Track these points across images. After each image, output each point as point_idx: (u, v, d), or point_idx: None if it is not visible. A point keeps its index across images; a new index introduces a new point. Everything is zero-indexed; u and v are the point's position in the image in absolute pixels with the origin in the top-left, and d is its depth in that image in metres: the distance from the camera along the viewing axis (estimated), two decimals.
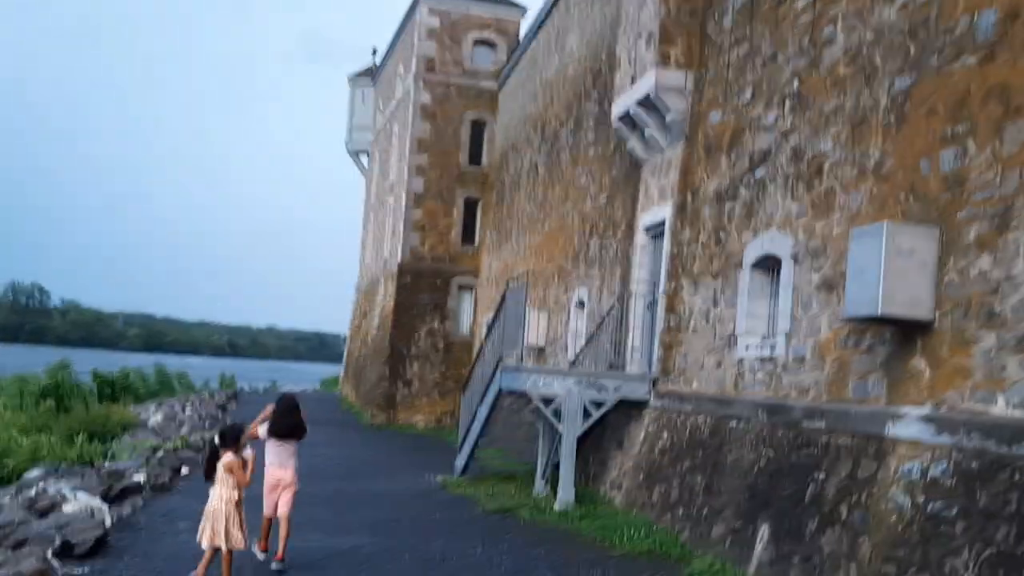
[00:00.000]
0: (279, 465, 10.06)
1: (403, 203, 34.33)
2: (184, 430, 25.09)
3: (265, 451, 9.98)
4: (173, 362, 66.48)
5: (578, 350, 18.83)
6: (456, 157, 34.26)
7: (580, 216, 20.37)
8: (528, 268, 24.79)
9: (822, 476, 9.22)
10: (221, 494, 8.73)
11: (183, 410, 32.19)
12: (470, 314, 33.89)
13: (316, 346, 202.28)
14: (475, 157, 34.50)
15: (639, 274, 15.96)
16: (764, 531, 9.83)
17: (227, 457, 8.81)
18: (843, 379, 9.44)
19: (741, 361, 11.78)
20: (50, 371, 42.01)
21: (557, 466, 15.83)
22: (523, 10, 35.11)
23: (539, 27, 27.36)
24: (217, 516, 8.69)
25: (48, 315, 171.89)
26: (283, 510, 9.96)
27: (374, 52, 45.48)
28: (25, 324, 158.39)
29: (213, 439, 9.19)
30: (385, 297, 36.29)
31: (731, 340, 12.13)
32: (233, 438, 8.99)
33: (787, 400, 10.40)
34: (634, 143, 16.28)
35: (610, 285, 17.56)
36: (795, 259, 10.60)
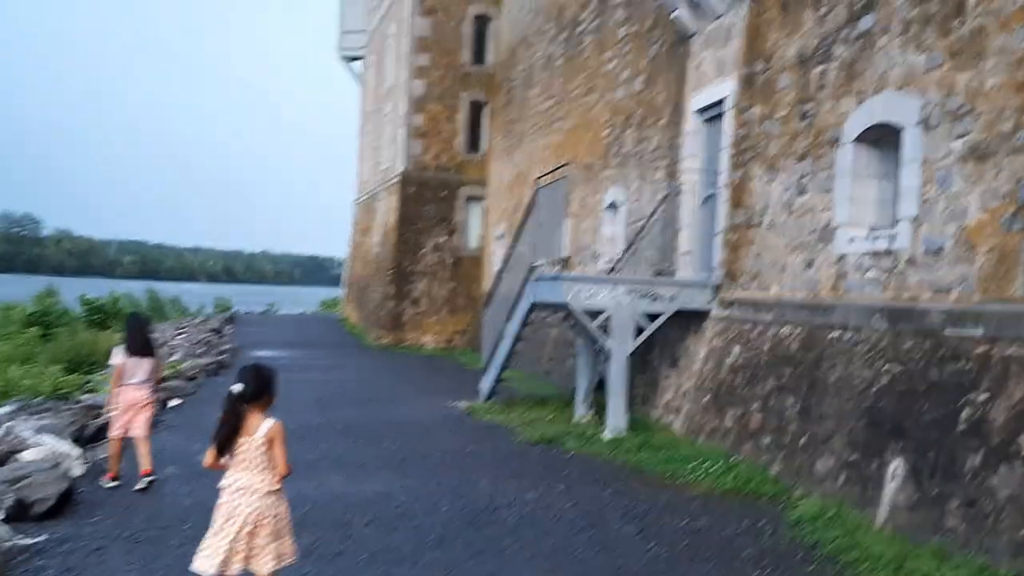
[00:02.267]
0: (136, 385, 9.28)
1: (402, 109, 31.83)
2: (175, 356, 23.12)
3: (123, 371, 9.25)
4: (169, 288, 64.57)
5: (612, 258, 16.70)
6: (459, 56, 31.63)
7: (610, 107, 18.03)
8: (556, 165, 22.50)
9: (982, 397, 7.15)
10: (254, 484, 5.15)
11: (175, 335, 30.19)
12: (479, 227, 31.66)
13: (312, 269, 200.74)
14: (479, 56, 31.87)
15: (690, 165, 13.74)
16: (897, 466, 7.80)
17: (268, 423, 5.19)
18: (1007, 273, 7.32)
19: (843, 258, 9.64)
20: (37, 298, 39.98)
21: (599, 388, 13.84)
22: None
23: None
24: (261, 523, 5.14)
25: (41, 244, 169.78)
26: (139, 432, 9.23)
27: None
28: (19, 254, 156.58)
29: (232, 391, 5.17)
30: (387, 211, 34.01)
31: (827, 233, 9.97)
32: (265, 386, 5.23)
33: (918, 303, 8.29)
34: (682, 11, 13.91)
35: (652, 182, 15.33)
36: (925, 125, 8.38)
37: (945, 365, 7.70)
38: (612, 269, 15.52)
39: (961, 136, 7.89)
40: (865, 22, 9.48)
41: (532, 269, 14.16)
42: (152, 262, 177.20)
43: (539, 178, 14.31)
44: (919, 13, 8.55)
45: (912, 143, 8.55)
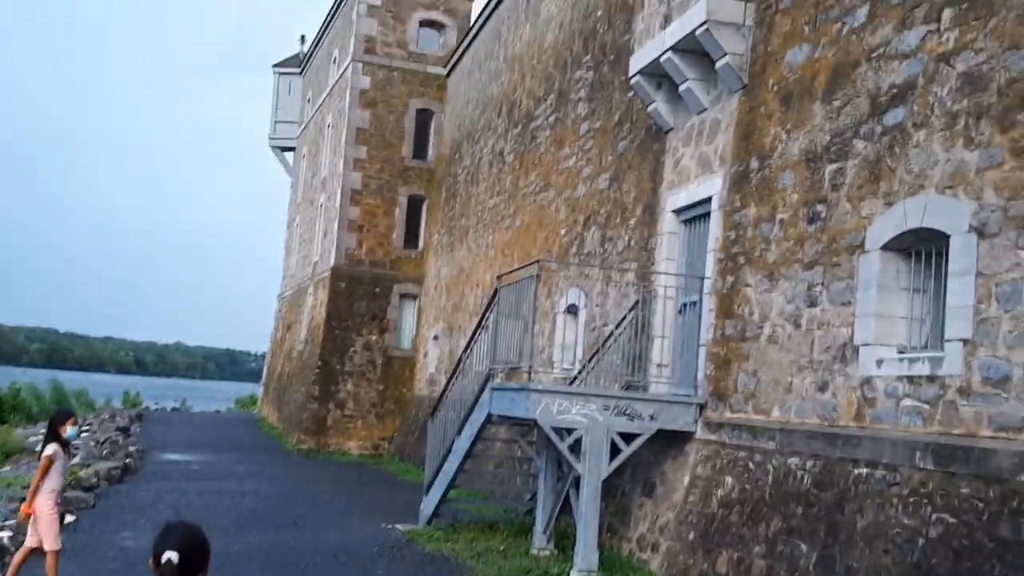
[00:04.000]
0: (56, 488, 8.85)
1: (337, 201, 30.38)
2: (76, 459, 20.81)
3: (51, 468, 8.77)
4: (77, 379, 61.02)
5: (570, 365, 15.27)
6: (399, 150, 30.48)
7: (569, 205, 16.85)
8: (494, 272, 21.18)
9: None
10: None
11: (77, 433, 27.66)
12: (413, 326, 30.06)
13: (227, 363, 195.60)
14: (420, 150, 30.77)
15: (667, 269, 12.48)
16: None
17: None
18: None
19: (869, 381, 8.34)
20: None
21: (561, 514, 12.25)
22: None
23: None
24: None
25: None
26: (53, 544, 8.75)
27: (302, 39, 41.54)
28: None
29: (168, 560, 3.40)
30: (315, 307, 32.23)
31: (847, 352, 8.69)
32: (203, 560, 3.39)
33: (978, 440, 6.98)
34: (659, 105, 12.84)
35: (619, 285, 14.05)
36: (980, 231, 7.21)
37: (1021, 520, 6.34)
38: (573, 380, 14.07)
39: None
40: (894, 115, 8.38)
41: (489, 376, 12.63)
42: (61, 350, 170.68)
43: (500, 276, 12.91)
44: (970, 105, 7.46)
45: (963, 253, 7.35)
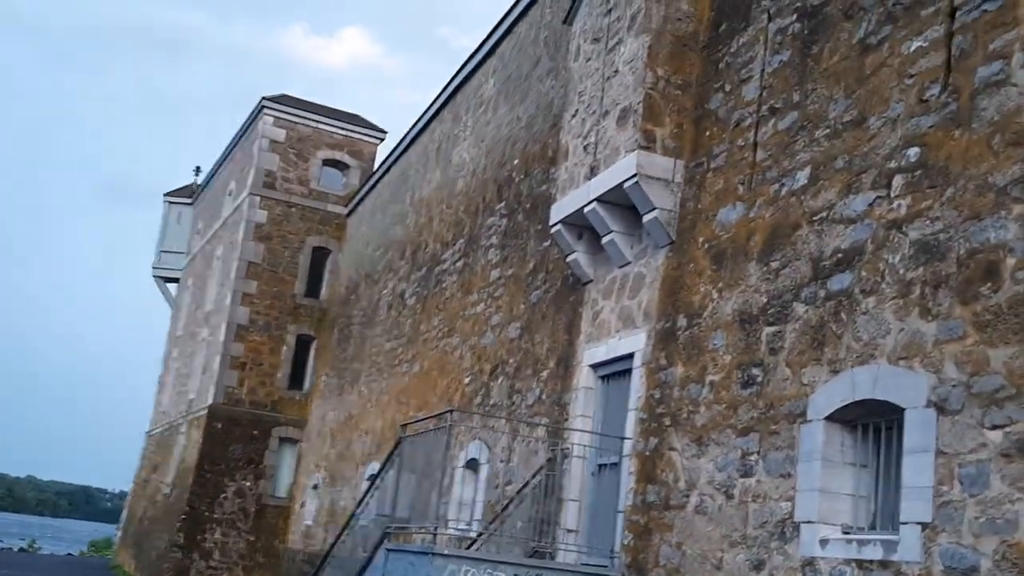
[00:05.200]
0: None
1: (221, 335, 29.05)
2: None
3: None
4: None
5: (466, 525, 14.28)
6: (291, 286, 29.56)
7: (475, 353, 16.18)
8: (387, 420, 20.20)
9: None
10: None
11: None
12: (291, 473, 28.45)
13: (81, 501, 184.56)
14: (313, 289, 29.91)
15: (582, 427, 11.82)
16: None
17: None
18: None
19: (812, 563, 7.69)
20: None
21: None
22: (382, 134, 31.58)
23: (412, 142, 23.74)
24: None
25: None
26: None
27: (197, 170, 40.71)
28: None
29: None
30: (186, 447, 30.33)
31: (786, 528, 8.07)
32: None
33: None
34: (579, 256, 12.45)
35: (527, 441, 13.29)
36: (940, 407, 6.78)
37: None
38: (472, 543, 13.07)
39: (1001, 426, 6.28)
40: (840, 280, 8.06)
41: (385, 536, 11.57)
42: None
43: (405, 425, 12.03)
44: (927, 274, 7.16)
45: (921, 429, 6.90)
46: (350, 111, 32.29)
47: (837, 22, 8.87)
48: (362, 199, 28.37)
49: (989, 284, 6.60)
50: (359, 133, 31.19)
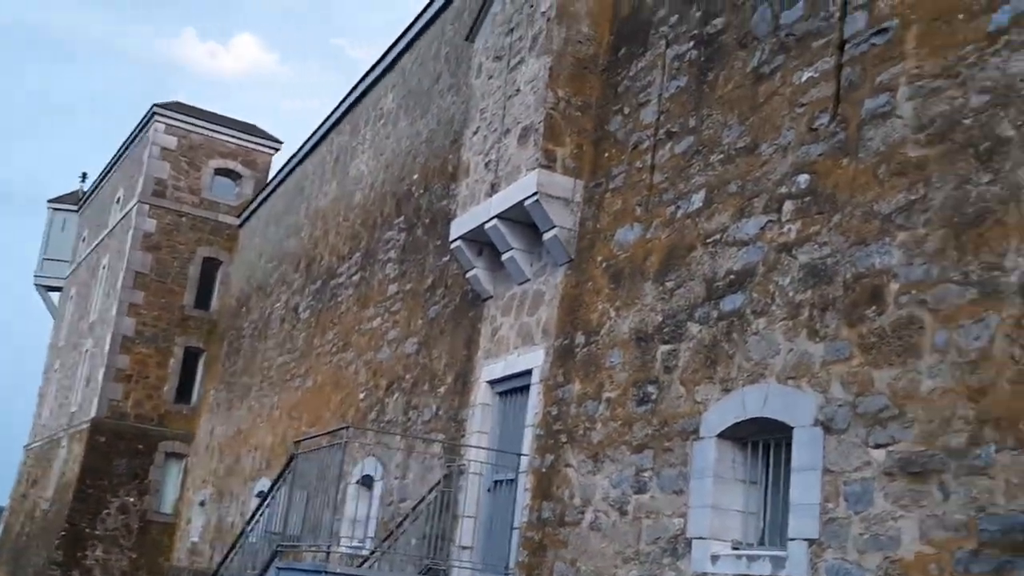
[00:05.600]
0: None
1: (106, 347, 28.15)
2: None
3: None
4: None
5: (359, 542, 14.11)
6: (180, 298, 28.85)
7: (370, 369, 16.04)
8: (277, 435, 19.85)
9: None
10: None
11: None
12: (177, 489, 27.69)
13: None
14: (203, 300, 29.23)
15: (479, 443, 11.83)
16: None
17: None
18: None
19: None
20: None
21: None
22: (277, 144, 31.13)
23: (308, 153, 23.47)
24: None
25: None
26: None
27: (83, 177, 39.39)
28: None
29: None
30: (68, 461, 29.24)
31: (677, 544, 8.21)
32: None
33: None
34: (479, 272, 12.49)
35: (423, 458, 13.23)
36: (827, 426, 7.01)
37: None
38: (364, 561, 12.93)
39: (884, 445, 6.53)
40: (732, 301, 8.27)
41: (276, 554, 11.35)
42: None
43: (298, 441, 11.83)
44: (814, 297, 7.40)
45: (808, 447, 7.12)
46: (245, 120, 31.76)
47: (732, 51, 9.13)
48: (255, 210, 27.90)
49: (874, 307, 6.86)
50: (253, 143, 30.68)
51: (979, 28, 6.57)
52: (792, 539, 7.07)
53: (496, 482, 11.45)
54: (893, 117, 7.13)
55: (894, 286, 6.75)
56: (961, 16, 6.71)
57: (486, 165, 12.19)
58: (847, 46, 7.74)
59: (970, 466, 5.90)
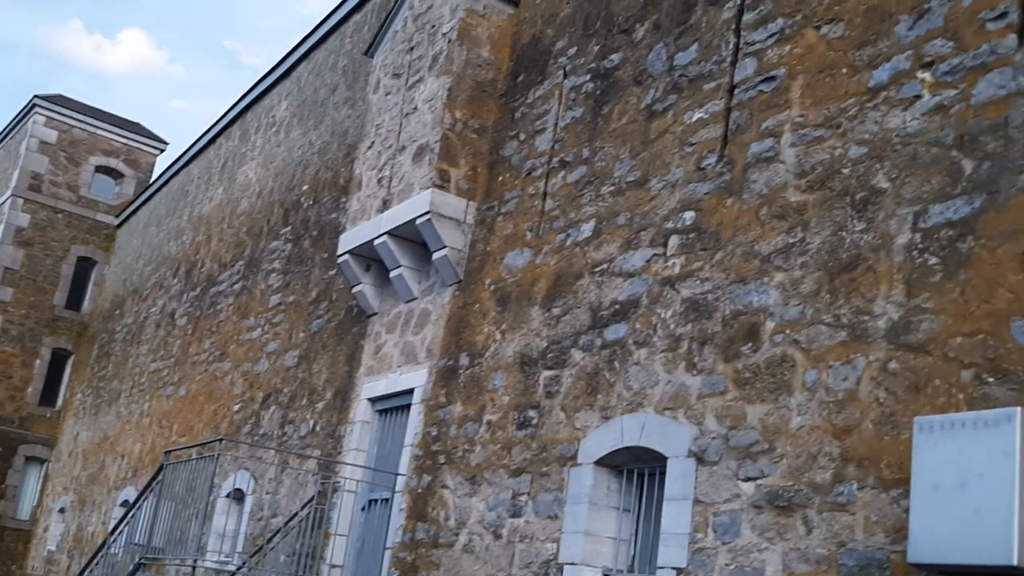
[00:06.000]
0: None
1: None
2: None
3: None
4: None
5: (226, 557, 13.79)
6: (50, 296, 27.79)
7: (247, 380, 15.73)
8: (146, 444, 19.25)
9: None
10: None
11: None
12: (36, 495, 26.56)
13: None
14: (75, 301, 28.22)
15: (355, 460, 11.71)
16: None
17: None
18: None
19: None
20: None
21: None
22: (163, 144, 30.35)
23: (195, 156, 22.95)
24: None
25: None
26: None
27: None
28: None
29: None
30: None
31: (549, 570, 8.29)
32: None
33: None
34: (365, 287, 12.41)
35: (297, 473, 13.02)
36: (700, 457, 7.20)
37: None
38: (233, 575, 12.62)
39: (753, 479, 6.74)
40: (615, 330, 8.43)
41: (139, 567, 10.99)
42: None
43: (169, 452, 11.50)
44: (694, 330, 7.61)
45: (681, 477, 7.29)
46: (130, 118, 30.91)
47: (627, 86, 9.34)
48: (136, 211, 27.11)
49: (750, 344, 7.09)
50: (138, 142, 29.85)
51: (860, 83, 6.89)
52: (661, 567, 7.21)
53: (371, 501, 11.35)
54: (776, 162, 7.41)
55: (770, 324, 7.00)
56: (844, 70, 7.03)
57: (379, 181, 12.14)
58: (736, 91, 8.01)
59: (833, 502, 6.14)
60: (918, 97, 6.41)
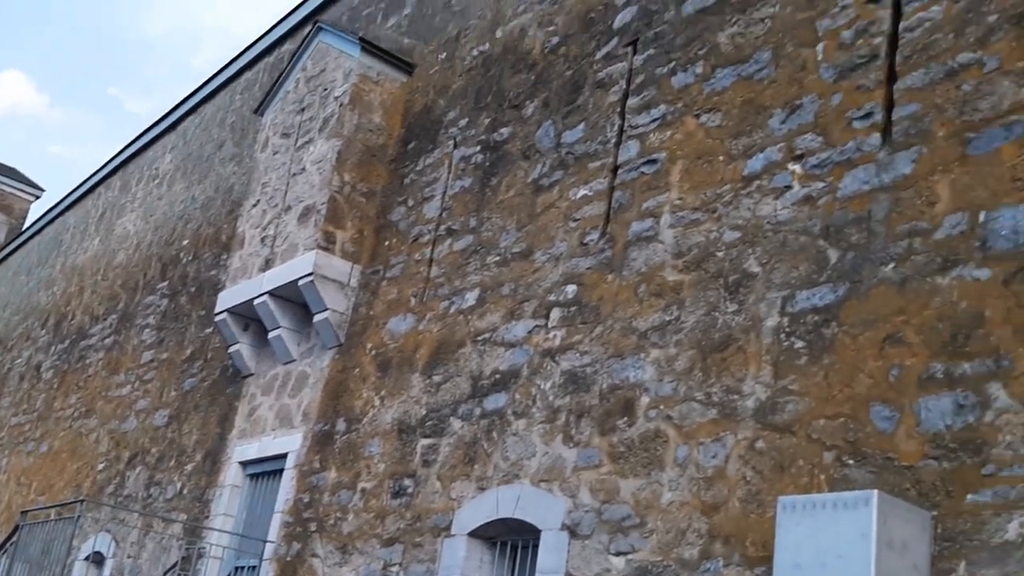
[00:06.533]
0: None
1: None
2: None
3: None
4: None
5: None
6: None
7: (113, 437, 15.14)
8: (2, 502, 18.28)
9: None
10: None
11: None
12: None
13: None
14: None
15: (223, 526, 11.36)
16: None
17: None
18: None
19: None
20: None
21: None
22: (38, 191, 29.37)
23: (71, 205, 22.28)
24: None
25: None
26: None
27: None
28: None
29: None
30: None
31: None
32: None
33: None
34: (242, 347, 12.18)
35: (161, 537, 12.53)
36: (573, 531, 7.23)
37: None
38: None
39: (624, 553, 6.80)
40: (495, 400, 8.46)
41: None
42: None
43: (25, 512, 10.95)
44: (572, 403, 7.69)
45: (554, 551, 7.30)
46: (5, 162, 29.84)
47: (516, 160, 9.52)
48: (6, 257, 26.03)
49: (625, 419, 7.21)
50: (11, 187, 28.80)
51: (736, 170, 7.19)
52: None
53: (237, 568, 11.00)
54: (656, 241, 7.62)
55: (645, 399, 7.13)
56: (721, 158, 7.33)
57: (262, 240, 12.00)
58: (620, 171, 8.25)
59: None
60: (788, 187, 6.72)
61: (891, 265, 5.88)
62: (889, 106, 6.29)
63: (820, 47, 6.88)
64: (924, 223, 5.79)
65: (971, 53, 5.87)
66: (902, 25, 6.36)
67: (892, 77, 6.34)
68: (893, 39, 6.42)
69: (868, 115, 6.39)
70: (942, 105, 5.95)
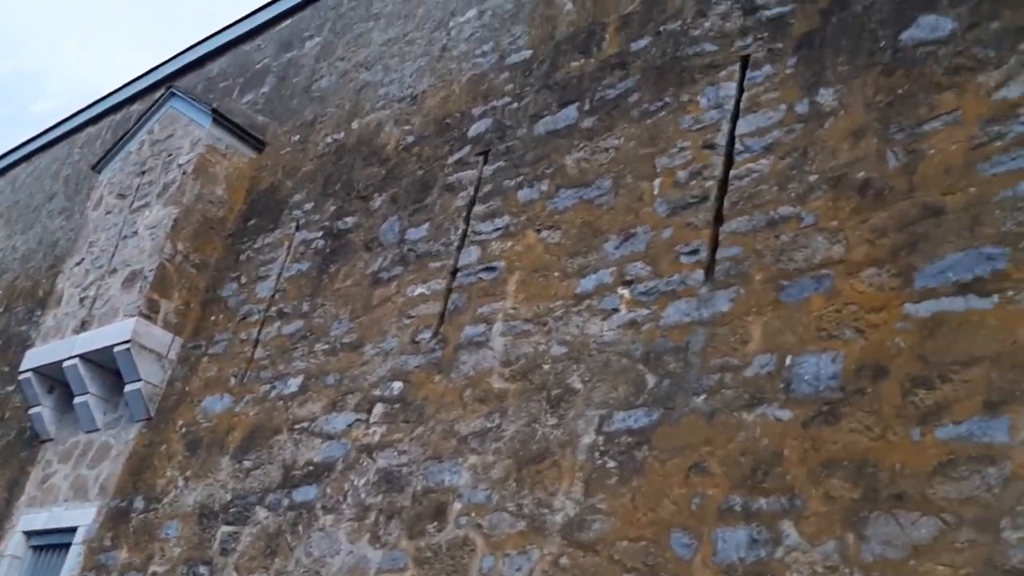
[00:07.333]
0: None
1: None
2: None
3: None
4: None
5: None
6: None
7: None
8: None
9: None
10: None
11: None
12: None
13: None
14: None
15: None
16: None
17: None
18: None
19: None
20: None
21: None
22: None
23: None
24: None
25: None
26: None
27: None
28: None
29: None
30: None
31: None
32: None
33: None
34: (43, 410, 11.53)
35: None
36: None
37: None
38: None
39: None
40: (305, 492, 8.25)
41: None
42: None
43: None
44: (384, 503, 7.59)
45: None
46: None
47: (358, 250, 9.51)
48: None
49: (435, 523, 7.15)
50: None
51: (569, 287, 7.40)
52: None
53: None
54: (486, 347, 7.71)
55: (457, 505, 7.11)
56: (556, 274, 7.54)
57: (81, 300, 11.49)
58: (459, 274, 8.36)
59: None
60: (616, 310, 6.96)
61: (703, 396, 6.13)
62: (714, 246, 6.64)
63: (657, 182, 7.24)
64: (736, 360, 6.09)
65: (791, 207, 6.30)
66: (732, 172, 6.78)
67: (720, 219, 6.71)
68: (723, 184, 6.82)
69: (694, 251, 6.72)
70: (761, 251, 6.33)
